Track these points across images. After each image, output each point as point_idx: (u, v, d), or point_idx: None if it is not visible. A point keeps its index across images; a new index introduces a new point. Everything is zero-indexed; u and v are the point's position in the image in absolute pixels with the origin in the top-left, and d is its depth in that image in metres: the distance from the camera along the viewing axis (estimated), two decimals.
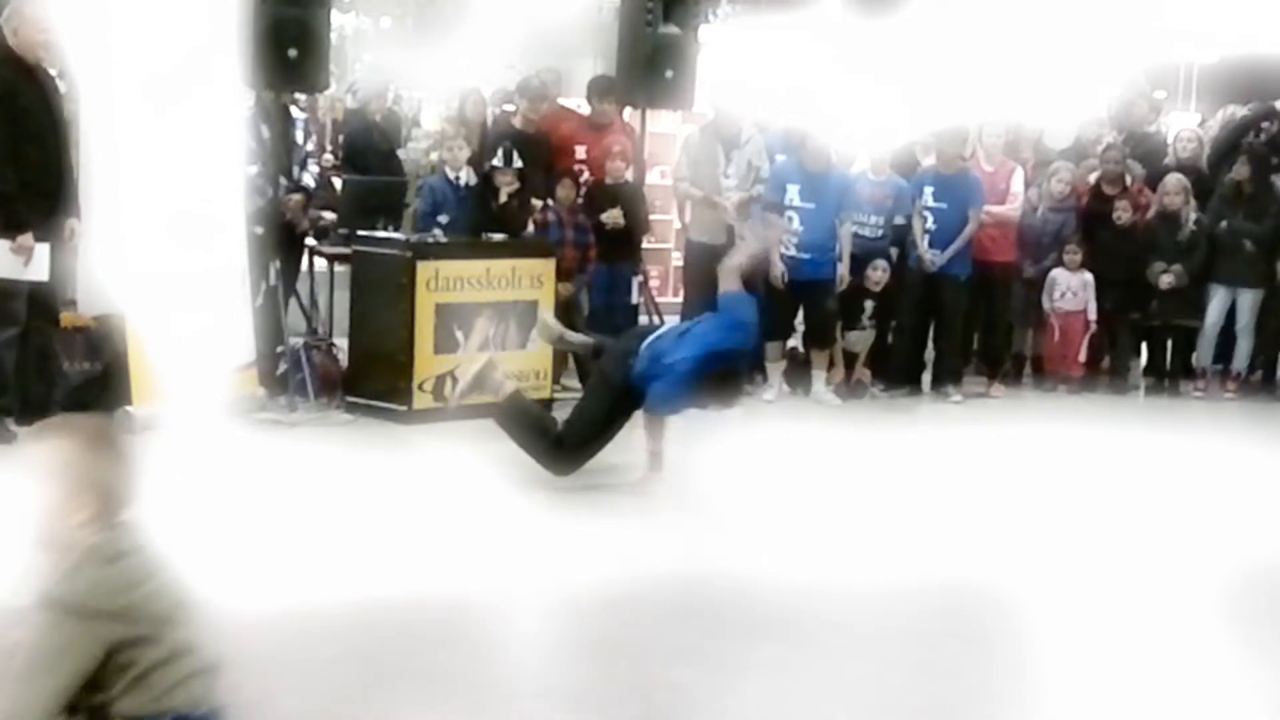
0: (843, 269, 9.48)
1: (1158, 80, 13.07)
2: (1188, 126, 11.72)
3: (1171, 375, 10.50)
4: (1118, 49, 11.04)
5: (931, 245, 9.64)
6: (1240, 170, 10.23)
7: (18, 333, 7.32)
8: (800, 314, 9.67)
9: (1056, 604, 5.61)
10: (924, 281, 9.66)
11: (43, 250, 7.20)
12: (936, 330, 9.89)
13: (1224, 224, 10.17)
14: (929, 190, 9.68)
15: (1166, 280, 10.12)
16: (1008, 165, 10.05)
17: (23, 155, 7.16)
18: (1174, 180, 10.18)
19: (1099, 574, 6.00)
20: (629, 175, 9.67)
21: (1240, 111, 10.90)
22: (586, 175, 9.61)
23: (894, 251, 9.83)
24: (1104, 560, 6.20)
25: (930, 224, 9.66)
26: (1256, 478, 7.82)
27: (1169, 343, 10.52)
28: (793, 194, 9.38)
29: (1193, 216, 10.17)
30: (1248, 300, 10.22)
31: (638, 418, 6.96)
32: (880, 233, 9.73)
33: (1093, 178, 10.34)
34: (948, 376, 9.82)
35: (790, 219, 9.37)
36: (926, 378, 9.97)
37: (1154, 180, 10.40)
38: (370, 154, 10.34)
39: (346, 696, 4.38)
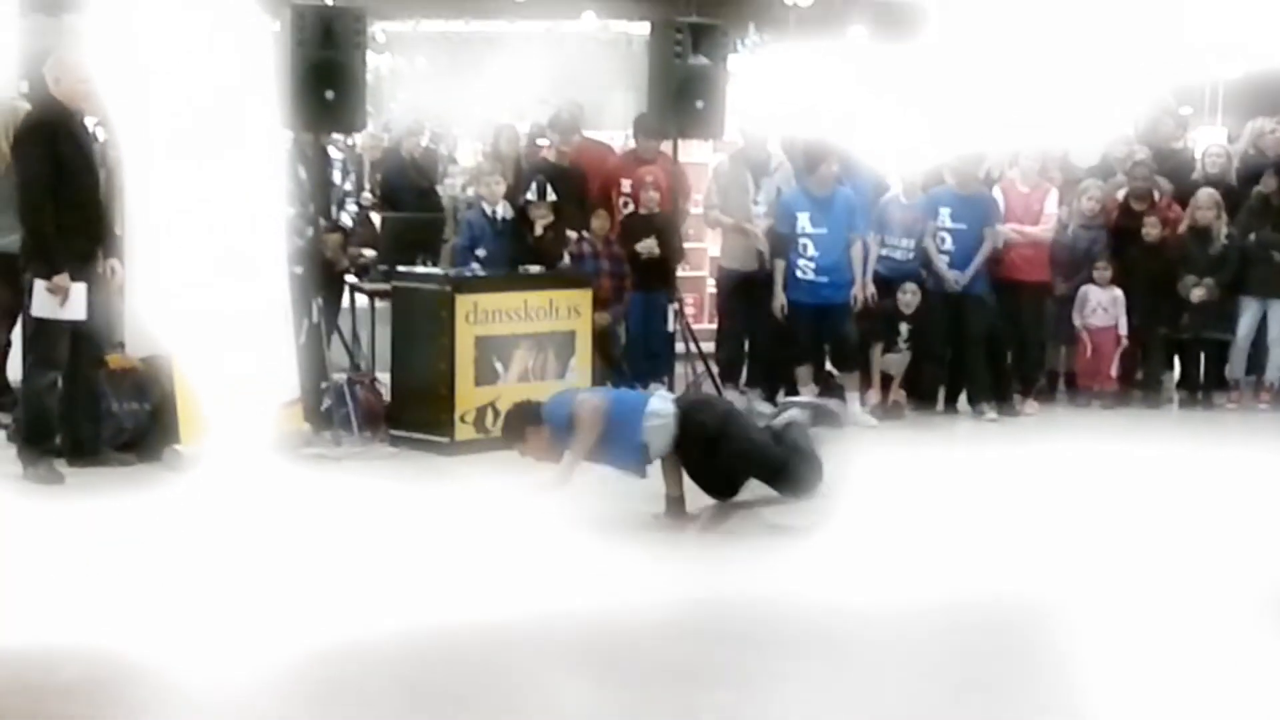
0: (857, 288, 9.48)
1: (1183, 97, 13.01)
2: (1216, 142, 11.66)
3: (1205, 388, 10.42)
4: (1142, 66, 10.99)
5: (951, 265, 9.64)
6: (1268, 183, 10.18)
7: (58, 376, 7.38)
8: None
9: (1097, 619, 5.55)
10: (947, 301, 9.64)
11: (79, 290, 7.26)
12: (964, 349, 9.86)
13: (1253, 236, 10.11)
14: (946, 211, 9.68)
15: (1198, 294, 10.06)
16: (1042, 186, 10.04)
17: (62, 199, 7.24)
18: (1205, 195, 10.13)
19: (1139, 588, 5.93)
20: (676, 205, 9.70)
21: (1270, 124, 10.80)
22: (631, 207, 9.65)
23: (925, 273, 9.82)
24: (1144, 574, 6.13)
25: (949, 245, 9.66)
26: None
27: (1201, 355, 10.44)
28: (804, 221, 9.38)
29: (1224, 230, 10.12)
30: (1279, 311, 10.15)
31: None
32: (911, 255, 9.72)
33: (1121, 194, 10.29)
34: (981, 394, 9.78)
35: (804, 246, 9.37)
36: (962, 396, 9.94)
37: (1182, 196, 10.34)
38: (406, 191, 10.40)
39: None
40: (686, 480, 6.93)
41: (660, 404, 6.94)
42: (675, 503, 6.89)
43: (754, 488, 7.04)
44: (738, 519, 6.81)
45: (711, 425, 6.90)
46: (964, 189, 9.75)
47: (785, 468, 6.98)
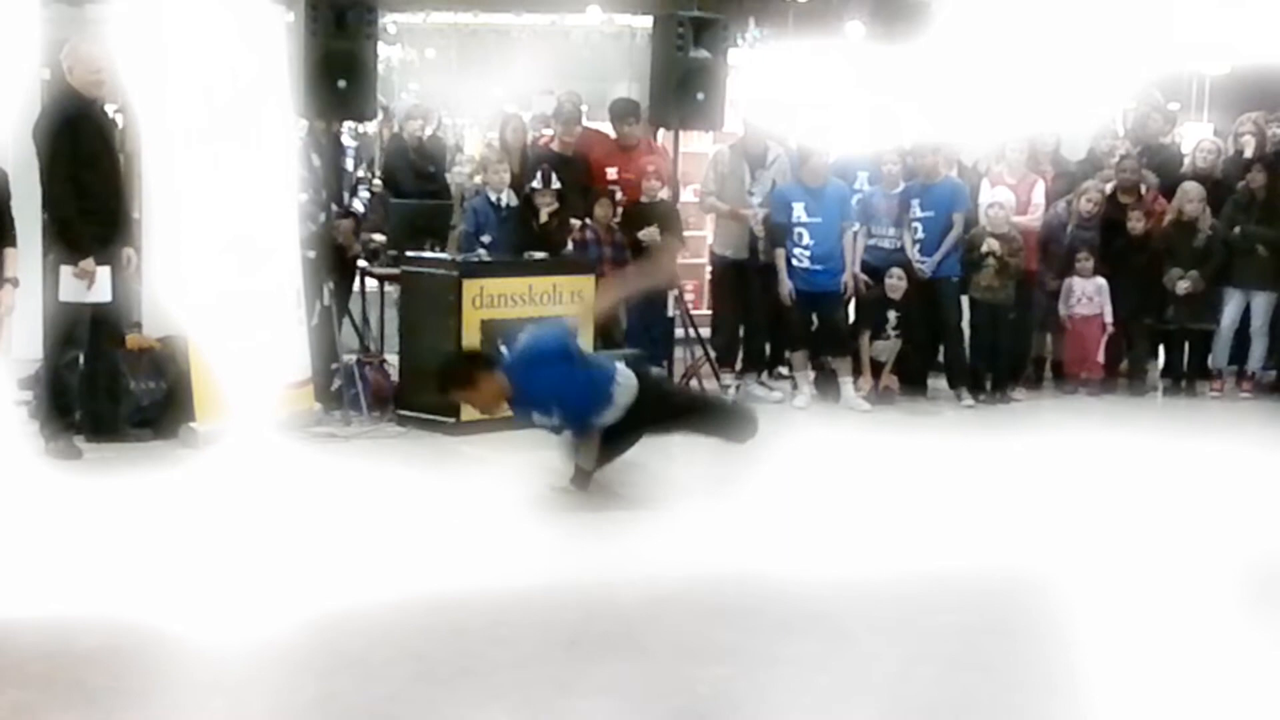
0: (847, 276, 9.52)
1: (1171, 92, 12.99)
2: (1208, 137, 11.65)
3: (1188, 377, 10.43)
4: (1131, 62, 10.99)
5: (922, 253, 9.66)
6: (1255, 177, 10.18)
7: (79, 355, 7.41)
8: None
9: (1085, 600, 5.57)
10: (922, 288, 9.65)
11: (104, 273, 7.29)
12: (940, 334, 9.87)
13: (1238, 229, 10.11)
14: (915, 203, 9.70)
15: (1184, 286, 10.06)
16: (1029, 178, 10.05)
17: (82, 184, 7.25)
18: (1193, 188, 10.14)
19: (1126, 570, 5.95)
20: (664, 194, 9.71)
21: (1247, 124, 10.77)
22: (619, 195, 9.65)
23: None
24: (1131, 556, 6.15)
25: (920, 233, 9.68)
26: (1273, 476, 7.75)
27: (1186, 345, 10.45)
28: (799, 211, 9.41)
29: (1208, 223, 10.12)
30: (1261, 303, 10.16)
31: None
32: (898, 244, 9.74)
33: (1109, 187, 10.29)
34: (959, 379, 9.79)
35: (800, 235, 9.39)
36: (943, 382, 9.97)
37: (1169, 190, 10.33)
38: (407, 176, 10.37)
39: (401, 695, 4.40)
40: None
41: (621, 365, 7.00)
42: (585, 476, 6.85)
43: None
44: (734, 497, 6.82)
45: (666, 381, 7.20)
46: (929, 179, 9.76)
47: (723, 413, 7.36)
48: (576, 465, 6.86)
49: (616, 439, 6.86)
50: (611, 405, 6.71)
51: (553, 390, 6.60)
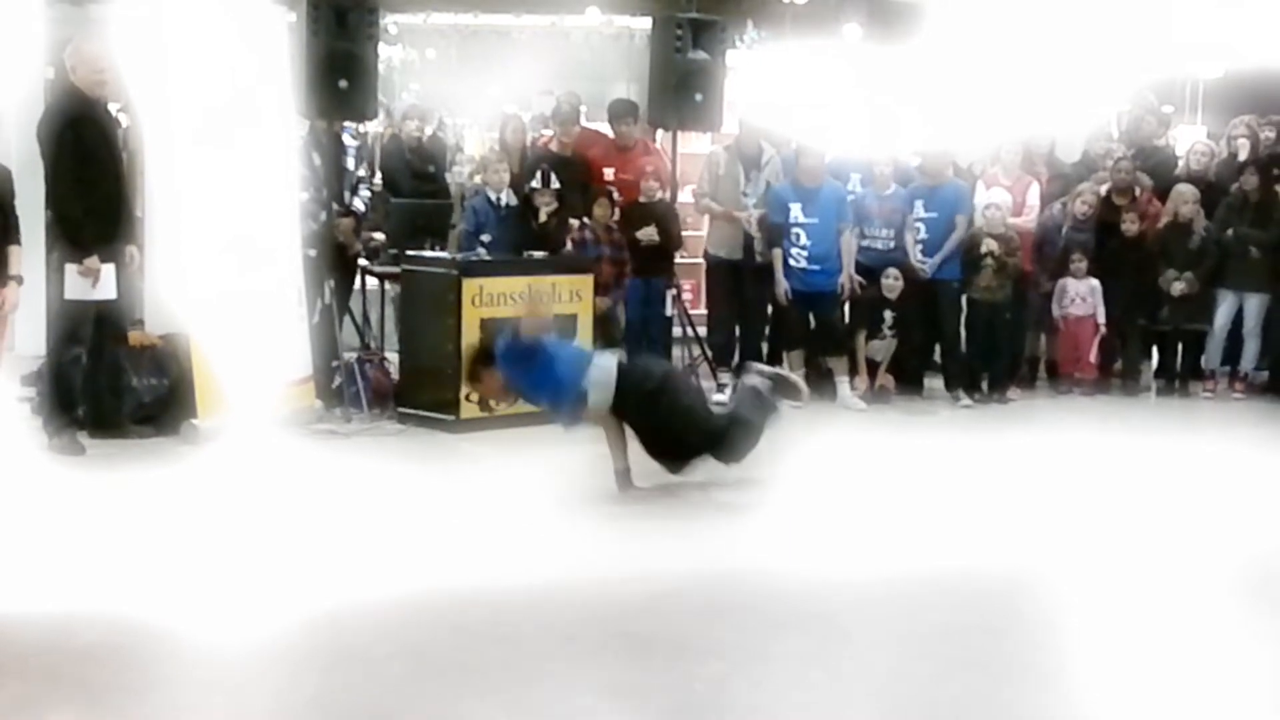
0: (843, 277, 9.52)
1: (1165, 95, 12.98)
2: (1201, 139, 11.66)
3: (1182, 377, 10.44)
4: (1125, 65, 10.99)
5: (924, 254, 9.67)
6: (1248, 180, 10.19)
7: (84, 351, 7.40)
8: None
9: (1080, 599, 5.57)
10: (921, 289, 9.65)
11: (108, 271, 7.30)
12: (939, 335, 9.87)
13: (1231, 231, 10.12)
14: (919, 204, 9.72)
15: (1178, 287, 10.07)
16: (1024, 180, 10.06)
17: (86, 183, 7.25)
18: (1187, 190, 10.14)
19: (1121, 569, 5.95)
20: (663, 194, 9.71)
21: (1240, 127, 10.77)
22: (618, 195, 9.65)
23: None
24: (1125, 556, 6.15)
25: (922, 234, 9.69)
26: (1266, 475, 7.75)
27: (1179, 346, 10.46)
28: (796, 212, 9.42)
29: (1202, 225, 10.13)
30: (1254, 304, 10.17)
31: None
32: (892, 244, 9.75)
33: (1103, 189, 10.30)
34: (956, 380, 9.78)
35: (797, 236, 9.39)
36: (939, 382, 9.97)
37: (1163, 192, 10.34)
38: (404, 176, 10.36)
39: (399, 691, 4.40)
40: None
41: (603, 358, 6.97)
42: (622, 475, 6.86)
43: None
44: (729, 495, 6.82)
45: (650, 381, 6.88)
46: (934, 181, 9.76)
47: (721, 432, 6.94)
48: (614, 469, 6.87)
49: (655, 442, 6.86)
50: (587, 397, 6.74)
51: (529, 383, 6.80)
